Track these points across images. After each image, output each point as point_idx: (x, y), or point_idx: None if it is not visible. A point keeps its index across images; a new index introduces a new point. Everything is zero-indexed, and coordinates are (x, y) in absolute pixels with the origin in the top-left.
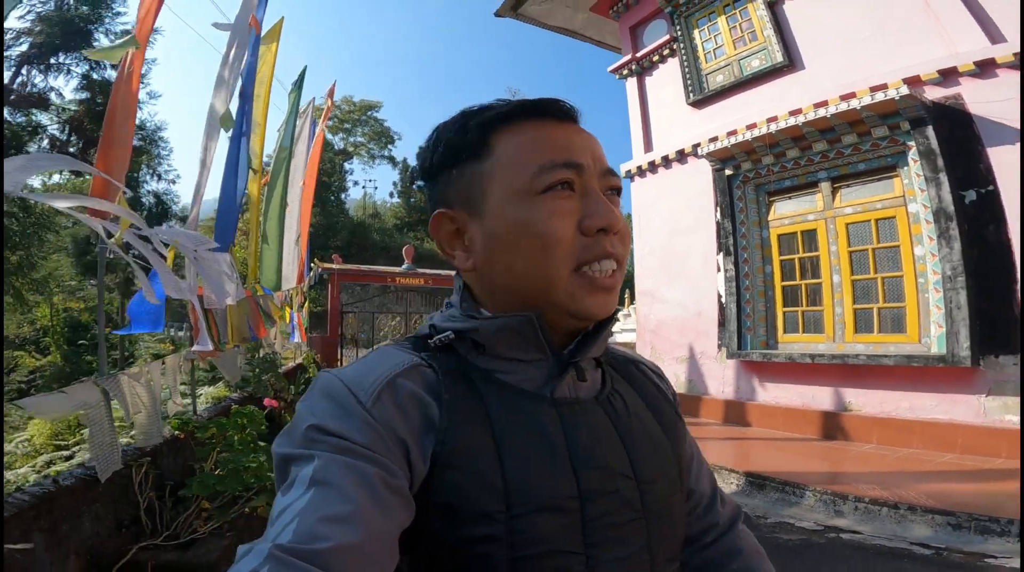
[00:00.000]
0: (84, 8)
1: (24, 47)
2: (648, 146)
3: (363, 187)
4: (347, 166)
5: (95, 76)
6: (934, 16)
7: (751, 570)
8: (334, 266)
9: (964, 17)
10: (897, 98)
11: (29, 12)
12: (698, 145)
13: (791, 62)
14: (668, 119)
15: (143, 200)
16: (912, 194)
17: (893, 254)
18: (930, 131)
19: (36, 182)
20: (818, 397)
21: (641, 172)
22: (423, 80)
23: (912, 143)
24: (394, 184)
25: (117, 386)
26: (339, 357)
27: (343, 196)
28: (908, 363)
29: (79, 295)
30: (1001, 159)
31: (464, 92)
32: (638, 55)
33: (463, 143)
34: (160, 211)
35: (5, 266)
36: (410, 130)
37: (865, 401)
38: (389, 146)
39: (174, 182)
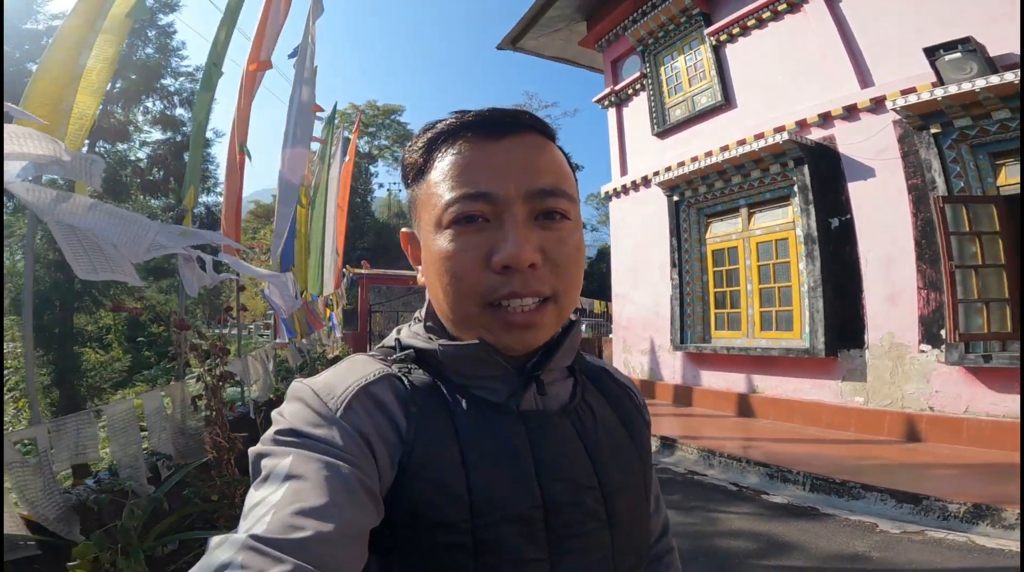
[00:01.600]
0: (152, 51)
1: (116, 86)
2: (624, 170)
3: (388, 190)
4: (372, 169)
5: (169, 113)
6: (828, 64)
7: None
8: (363, 271)
9: (845, 65)
10: (782, 141)
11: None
12: (657, 173)
13: (727, 101)
14: (639, 147)
15: (195, 210)
16: (798, 220)
17: (785, 268)
18: (806, 169)
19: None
20: (737, 382)
21: (617, 193)
22: (443, 82)
23: (795, 178)
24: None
25: (247, 361)
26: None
27: (369, 198)
28: (790, 354)
29: (136, 296)
30: (858, 191)
31: (482, 93)
32: (616, 88)
33: (409, 163)
34: (211, 221)
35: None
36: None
37: (767, 385)
38: None
39: (221, 194)
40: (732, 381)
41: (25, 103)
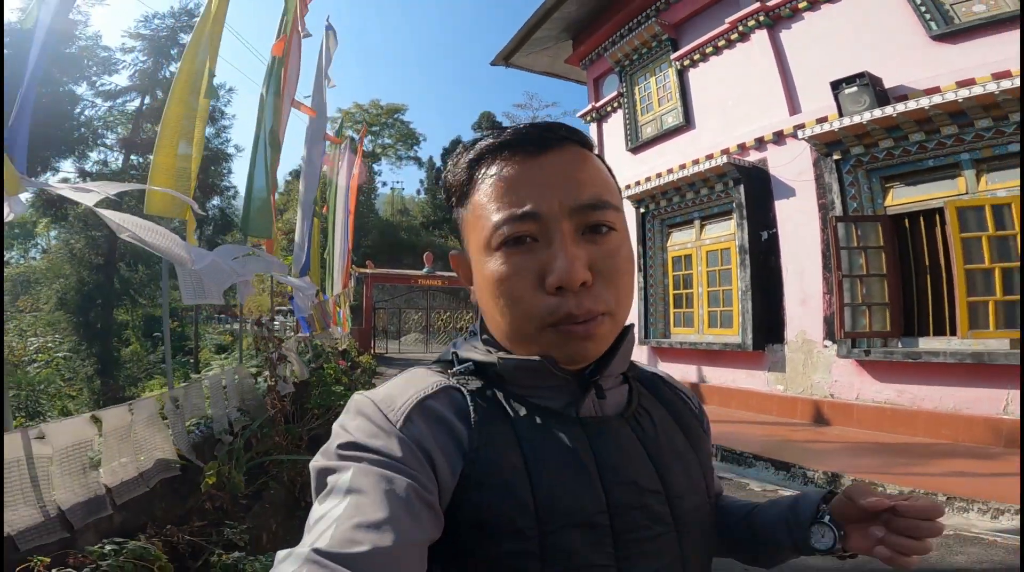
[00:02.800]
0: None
1: (136, 102)
2: None
3: (391, 188)
4: (376, 167)
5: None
6: (766, 91)
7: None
8: (368, 270)
9: (779, 93)
10: (722, 163)
11: (135, 72)
12: (628, 186)
13: (687, 122)
14: (616, 161)
15: (209, 213)
16: (736, 233)
17: (728, 274)
18: (742, 188)
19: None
20: (690, 373)
21: None
22: (446, 82)
23: (734, 196)
24: (420, 182)
25: (287, 349)
26: (372, 345)
27: (372, 197)
28: (728, 349)
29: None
30: (782, 209)
31: (483, 94)
32: (597, 104)
33: (453, 187)
34: (223, 223)
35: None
36: (435, 130)
37: (712, 375)
38: (415, 147)
39: (233, 198)
40: (686, 372)
41: (152, 176)
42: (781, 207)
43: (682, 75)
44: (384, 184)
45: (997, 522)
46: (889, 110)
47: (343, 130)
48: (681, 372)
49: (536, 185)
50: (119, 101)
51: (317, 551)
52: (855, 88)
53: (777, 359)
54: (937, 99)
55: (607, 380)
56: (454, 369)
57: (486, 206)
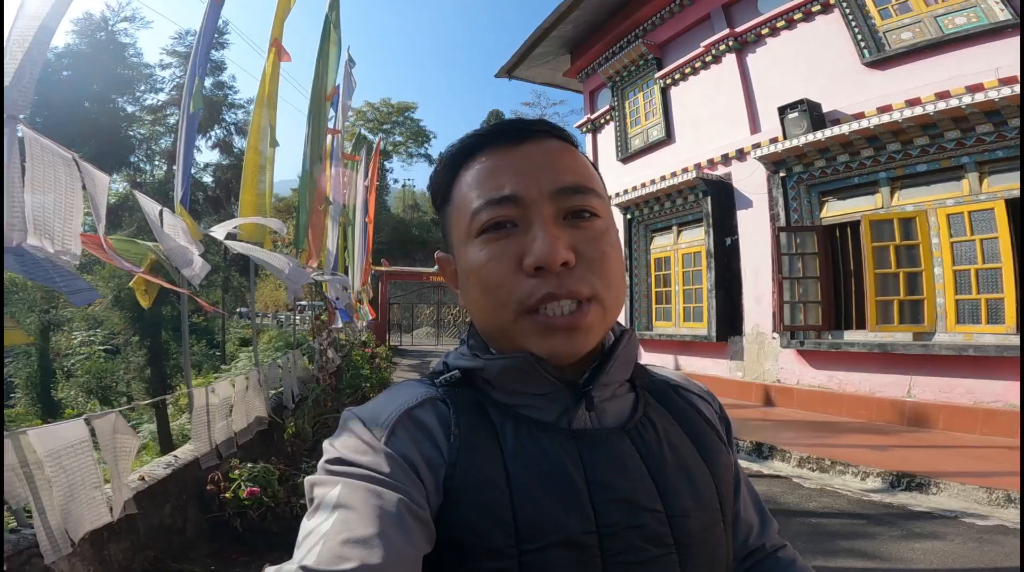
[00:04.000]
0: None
1: (174, 118)
2: None
3: (403, 184)
4: (387, 165)
5: (227, 139)
6: (733, 110)
7: None
8: (383, 269)
9: (743, 112)
10: (693, 177)
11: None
12: (617, 194)
13: (669, 137)
14: (608, 170)
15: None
16: (705, 238)
17: (699, 274)
18: (709, 200)
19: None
20: (668, 361)
21: None
22: (455, 80)
23: (703, 206)
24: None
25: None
26: (387, 337)
27: (384, 194)
28: (698, 340)
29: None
30: (742, 219)
31: (493, 92)
32: (592, 116)
33: (437, 188)
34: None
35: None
36: (445, 128)
37: (687, 364)
38: (426, 144)
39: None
40: (665, 361)
41: (241, 210)
42: (742, 217)
43: (665, 92)
44: (396, 181)
45: (864, 483)
46: (819, 134)
47: (354, 127)
48: (660, 361)
49: (516, 171)
50: (161, 115)
51: (305, 568)
52: (796, 113)
53: (737, 349)
54: (855, 125)
55: (605, 389)
56: (440, 378)
57: (467, 196)
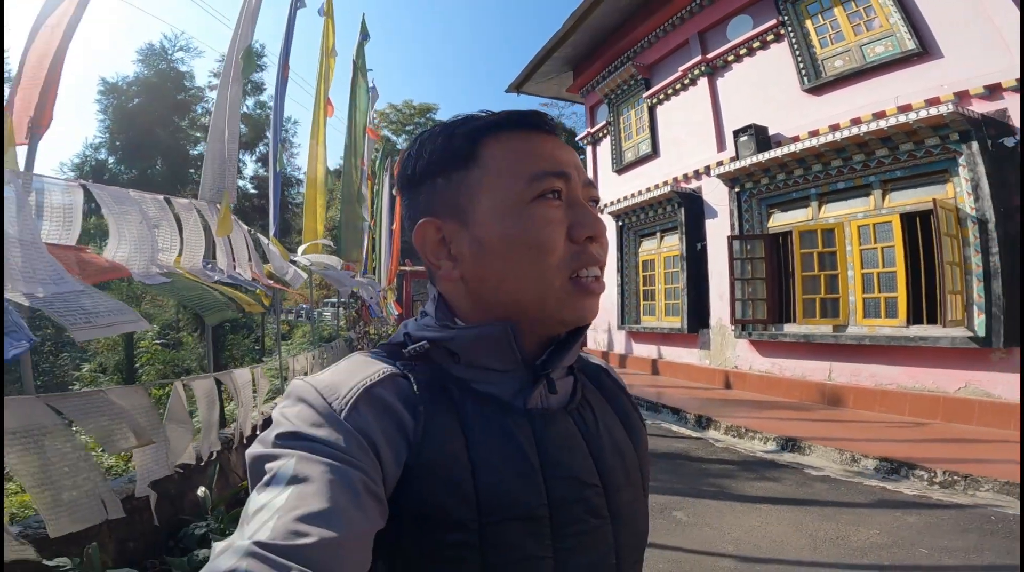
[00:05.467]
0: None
1: None
2: None
3: None
4: None
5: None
6: (703, 130)
7: None
8: (407, 268)
9: (711, 132)
10: (669, 190)
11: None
12: (611, 202)
13: (655, 151)
14: (605, 181)
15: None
16: (680, 243)
17: (676, 275)
18: (683, 210)
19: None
20: (652, 351)
21: None
22: (474, 81)
23: (679, 215)
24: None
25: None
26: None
27: None
28: (675, 332)
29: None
30: (710, 227)
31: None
32: (592, 130)
33: (450, 152)
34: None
35: None
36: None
37: (667, 353)
38: None
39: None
40: (650, 350)
41: (305, 234)
42: (710, 225)
43: (652, 111)
44: None
45: (764, 445)
46: (762, 156)
47: (379, 128)
48: (647, 351)
49: (560, 154)
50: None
51: (259, 544)
52: (746, 137)
53: (705, 340)
54: (788, 149)
55: (556, 372)
56: (408, 348)
57: (512, 165)
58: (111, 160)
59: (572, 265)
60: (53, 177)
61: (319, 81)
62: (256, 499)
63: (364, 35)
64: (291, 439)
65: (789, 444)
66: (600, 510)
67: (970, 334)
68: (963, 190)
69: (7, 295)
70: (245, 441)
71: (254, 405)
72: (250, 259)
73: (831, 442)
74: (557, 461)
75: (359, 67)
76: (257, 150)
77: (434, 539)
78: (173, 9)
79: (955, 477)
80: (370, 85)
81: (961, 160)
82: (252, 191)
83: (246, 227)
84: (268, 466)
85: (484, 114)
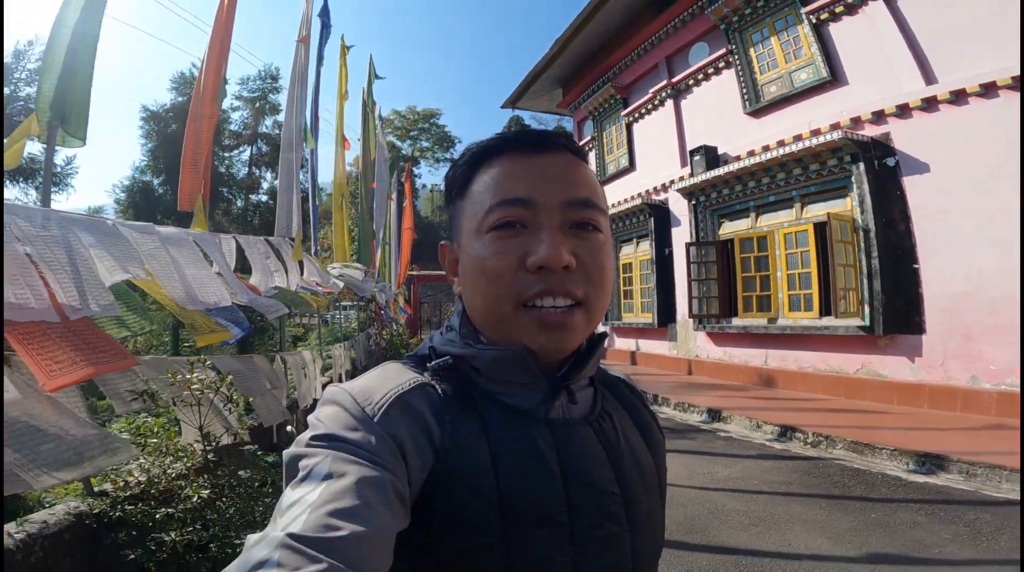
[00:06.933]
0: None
1: (246, 154)
2: None
3: (430, 189)
4: (415, 170)
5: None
6: (670, 146)
7: None
8: (415, 273)
9: (675, 149)
10: (640, 202)
11: (247, 129)
12: None
13: (632, 165)
14: None
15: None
16: (651, 249)
17: (650, 276)
18: (652, 219)
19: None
20: (630, 344)
21: None
22: (477, 87)
23: (648, 224)
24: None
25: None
26: (419, 332)
27: (414, 199)
28: (649, 326)
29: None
30: (674, 235)
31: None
32: (579, 144)
33: (452, 180)
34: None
35: None
36: (469, 133)
37: (644, 346)
38: (451, 149)
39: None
40: (629, 343)
41: (335, 252)
42: (675, 233)
43: (629, 128)
44: (424, 186)
45: (698, 417)
46: (710, 174)
47: (384, 136)
48: (626, 344)
49: (533, 178)
50: (235, 152)
51: (292, 536)
52: (699, 156)
53: (672, 333)
54: (728, 167)
55: (576, 383)
56: (432, 363)
57: (482, 194)
58: (155, 182)
59: (521, 294)
60: (224, 234)
61: (337, 120)
62: (290, 494)
63: (373, 75)
64: (326, 440)
65: (716, 415)
66: (619, 517)
67: (860, 324)
68: (856, 204)
69: (234, 301)
70: (309, 406)
71: (315, 377)
72: (309, 275)
73: (746, 412)
74: (577, 469)
75: (368, 106)
76: (277, 165)
77: (459, 541)
78: (198, 40)
79: (820, 438)
80: (378, 121)
81: (852, 178)
82: (269, 202)
83: (309, 254)
84: (303, 464)
85: (491, 138)
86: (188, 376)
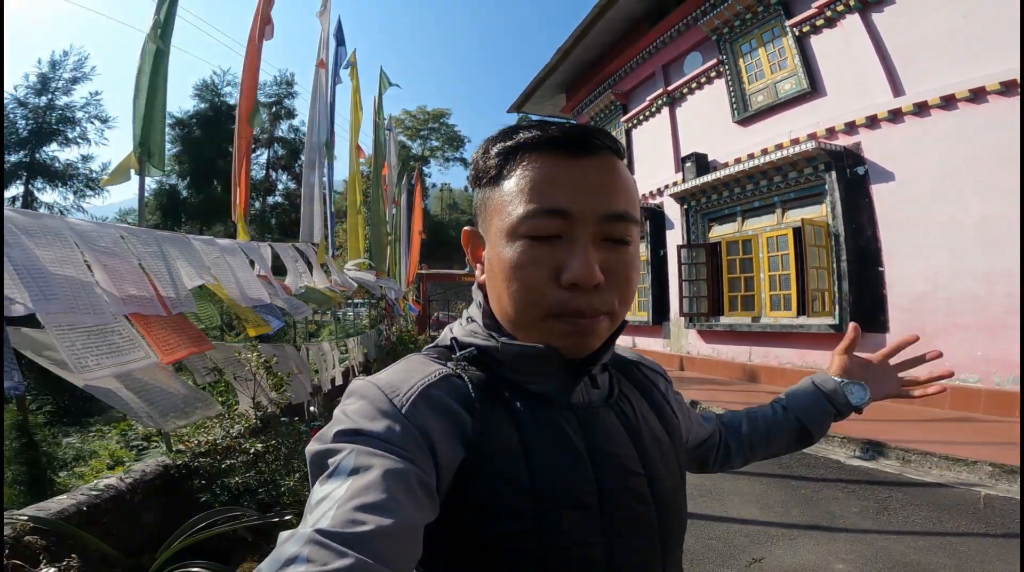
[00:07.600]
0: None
1: (263, 157)
2: None
3: (440, 189)
4: (425, 170)
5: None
6: (665, 153)
7: (750, 424)
8: (424, 271)
9: (670, 156)
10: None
11: (264, 133)
12: None
13: (630, 169)
14: None
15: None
16: (646, 251)
17: (646, 277)
18: (649, 222)
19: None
20: (628, 341)
21: None
22: (484, 86)
23: (643, 227)
24: (468, 179)
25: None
26: (428, 328)
27: (424, 198)
28: (643, 325)
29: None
30: (669, 237)
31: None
32: None
33: (484, 167)
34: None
35: None
36: (479, 132)
37: (640, 343)
38: (460, 148)
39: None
40: (627, 341)
41: (349, 254)
42: (669, 236)
43: (628, 134)
44: (434, 185)
45: None
46: (699, 180)
47: (397, 144)
48: (625, 341)
49: (572, 186)
50: (253, 155)
51: (320, 531)
52: (690, 163)
53: (666, 330)
54: (716, 174)
55: (595, 368)
56: (458, 354)
57: (517, 194)
58: (181, 185)
59: (552, 310)
60: (262, 242)
61: (351, 132)
62: (319, 491)
63: (384, 85)
64: (351, 435)
65: (694, 406)
66: (645, 497)
67: (831, 322)
68: (829, 210)
69: (271, 302)
70: (328, 390)
71: (333, 366)
72: (333, 275)
73: (722, 404)
74: (603, 451)
75: (379, 126)
76: (293, 167)
77: (494, 529)
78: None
79: None
80: (387, 130)
81: (826, 186)
82: (284, 203)
83: (330, 255)
84: (330, 461)
85: (527, 128)
86: (249, 356)
